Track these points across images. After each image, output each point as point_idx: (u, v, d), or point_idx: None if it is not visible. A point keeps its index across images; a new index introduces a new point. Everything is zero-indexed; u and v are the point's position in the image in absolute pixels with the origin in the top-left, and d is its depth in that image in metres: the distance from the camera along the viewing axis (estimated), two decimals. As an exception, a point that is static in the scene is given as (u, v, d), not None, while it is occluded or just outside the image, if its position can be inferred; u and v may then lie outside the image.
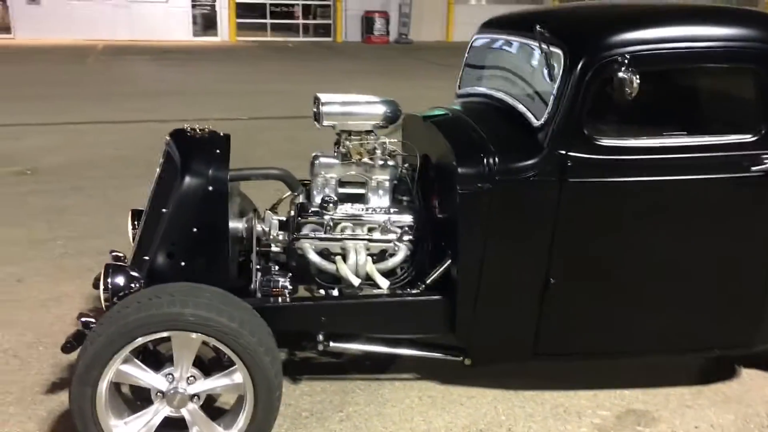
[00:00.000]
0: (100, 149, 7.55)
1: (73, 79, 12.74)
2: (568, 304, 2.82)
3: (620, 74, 2.52)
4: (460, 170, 2.69)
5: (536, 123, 2.75)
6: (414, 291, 2.91)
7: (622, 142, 2.71)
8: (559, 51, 2.72)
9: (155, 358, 2.53)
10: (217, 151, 2.85)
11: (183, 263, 2.73)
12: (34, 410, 2.92)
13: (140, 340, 2.37)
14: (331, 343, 2.91)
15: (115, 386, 2.48)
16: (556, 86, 2.68)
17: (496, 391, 3.12)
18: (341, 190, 3.20)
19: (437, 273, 2.88)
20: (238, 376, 2.45)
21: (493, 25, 3.50)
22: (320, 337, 2.89)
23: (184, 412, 2.49)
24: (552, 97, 2.69)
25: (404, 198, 3.19)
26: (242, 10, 22.06)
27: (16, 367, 3.24)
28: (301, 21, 23.63)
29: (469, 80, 3.63)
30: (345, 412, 2.97)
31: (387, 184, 3.16)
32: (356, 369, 3.29)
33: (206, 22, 21.68)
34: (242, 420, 2.49)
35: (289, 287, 2.96)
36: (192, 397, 2.48)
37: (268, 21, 22.83)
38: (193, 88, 12.14)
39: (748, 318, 2.91)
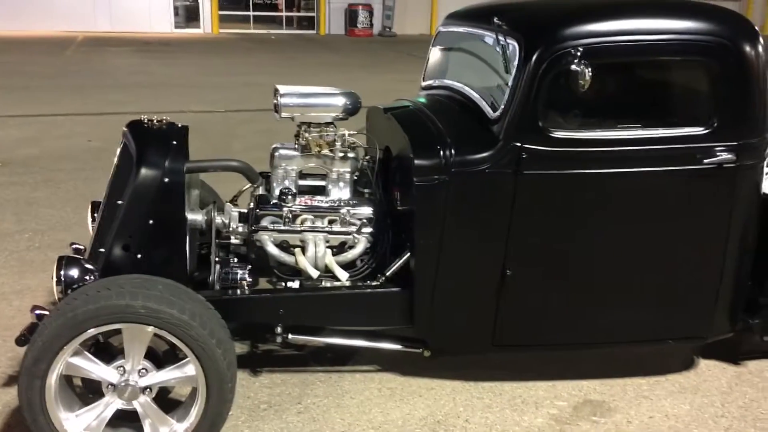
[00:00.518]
0: (74, 141, 7.48)
1: (51, 70, 12.59)
2: (524, 296, 2.84)
3: (573, 66, 2.54)
4: (416, 162, 2.69)
5: (492, 115, 2.76)
6: (373, 283, 2.92)
7: (576, 135, 2.72)
8: (515, 43, 2.72)
9: (107, 350, 2.52)
10: (174, 142, 2.83)
11: (139, 255, 2.72)
12: (-10, 403, 2.90)
13: (91, 332, 2.35)
14: (290, 336, 2.90)
15: (66, 379, 2.47)
16: (511, 78, 2.69)
17: (455, 383, 3.13)
18: (301, 182, 3.20)
19: (397, 265, 2.89)
20: (190, 369, 2.44)
21: (456, 17, 3.50)
22: (279, 329, 2.88)
23: (135, 405, 2.47)
24: (508, 89, 2.69)
25: (365, 190, 3.19)
26: (225, 2, 21.88)
27: (-26, 361, 3.22)
28: (284, 13, 23.51)
29: (433, 72, 3.63)
30: (303, 404, 2.97)
31: (347, 176, 3.16)
32: (317, 361, 3.29)
33: (188, 14, 21.46)
34: (195, 412, 2.48)
35: (248, 279, 2.96)
36: (144, 389, 2.47)
37: (251, 13, 22.68)
38: (173, 80, 12.04)
39: (703, 309, 2.94)
